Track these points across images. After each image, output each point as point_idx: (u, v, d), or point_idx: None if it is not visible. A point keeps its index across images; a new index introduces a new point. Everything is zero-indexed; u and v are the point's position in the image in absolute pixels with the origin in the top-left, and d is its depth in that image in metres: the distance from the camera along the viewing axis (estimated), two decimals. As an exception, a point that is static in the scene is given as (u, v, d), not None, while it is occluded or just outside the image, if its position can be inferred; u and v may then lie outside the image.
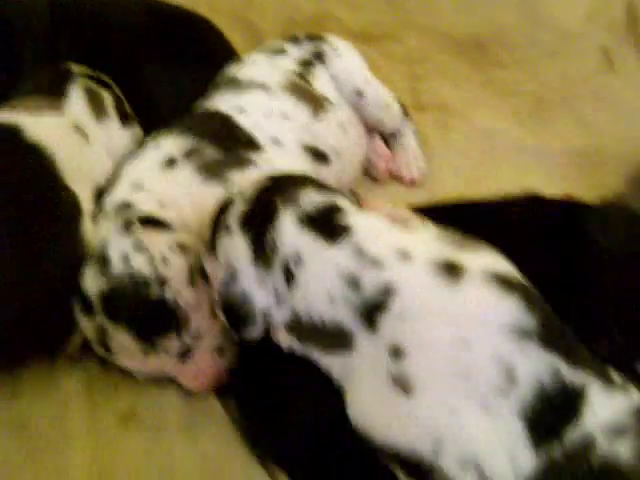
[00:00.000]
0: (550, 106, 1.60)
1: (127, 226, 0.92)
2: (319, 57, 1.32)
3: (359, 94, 1.31)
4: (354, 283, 0.75)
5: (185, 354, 0.95)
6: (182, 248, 0.96)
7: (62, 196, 0.94)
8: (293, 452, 0.89)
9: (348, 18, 1.77)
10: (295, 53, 1.33)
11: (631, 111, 1.58)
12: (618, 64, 1.72)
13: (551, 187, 1.13)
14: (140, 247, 0.91)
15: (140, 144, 1.12)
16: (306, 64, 1.30)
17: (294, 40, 1.37)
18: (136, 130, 1.12)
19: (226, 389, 0.98)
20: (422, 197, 1.27)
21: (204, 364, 0.95)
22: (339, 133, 1.24)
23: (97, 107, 1.05)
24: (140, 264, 0.91)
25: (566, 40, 1.79)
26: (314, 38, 1.37)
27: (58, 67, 1.09)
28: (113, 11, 1.30)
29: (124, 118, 1.10)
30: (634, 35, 1.77)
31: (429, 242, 0.79)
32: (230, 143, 1.09)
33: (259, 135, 1.12)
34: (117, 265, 0.90)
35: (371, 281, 0.74)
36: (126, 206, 0.99)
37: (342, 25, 1.75)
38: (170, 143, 1.07)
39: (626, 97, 1.62)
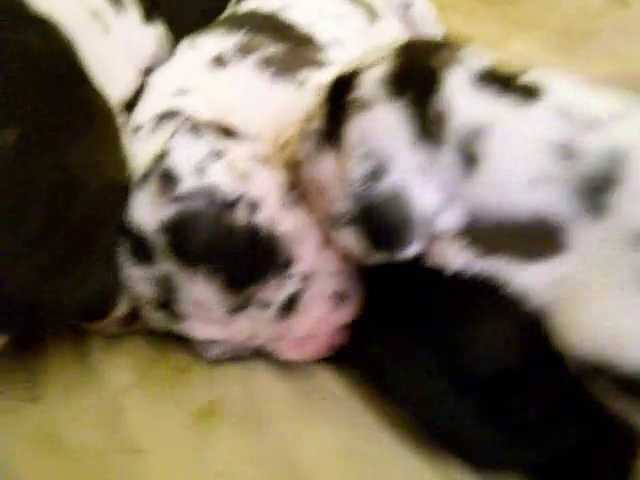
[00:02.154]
0: (575, 38, 1.44)
1: (195, 129, 0.63)
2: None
3: (406, 5, 1.08)
4: (567, 151, 0.52)
5: (289, 307, 0.66)
6: (264, 158, 0.69)
7: (94, 94, 0.63)
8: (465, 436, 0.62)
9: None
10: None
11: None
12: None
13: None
14: (218, 153, 0.63)
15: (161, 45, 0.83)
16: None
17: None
18: (161, 31, 0.81)
19: (342, 354, 0.69)
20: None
21: (318, 318, 0.67)
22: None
23: (113, -7, 0.75)
24: (221, 176, 0.62)
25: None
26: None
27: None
28: None
29: (146, 12, 0.79)
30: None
31: None
32: (291, 40, 0.82)
33: (318, 34, 0.86)
34: (187, 180, 0.61)
35: (592, 146, 0.52)
36: (172, 115, 0.70)
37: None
38: (212, 42, 0.80)
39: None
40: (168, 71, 0.78)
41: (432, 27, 1.12)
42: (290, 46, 0.80)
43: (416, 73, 0.56)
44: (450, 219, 0.55)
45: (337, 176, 0.59)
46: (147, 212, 0.62)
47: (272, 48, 0.78)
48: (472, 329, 0.61)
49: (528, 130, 0.53)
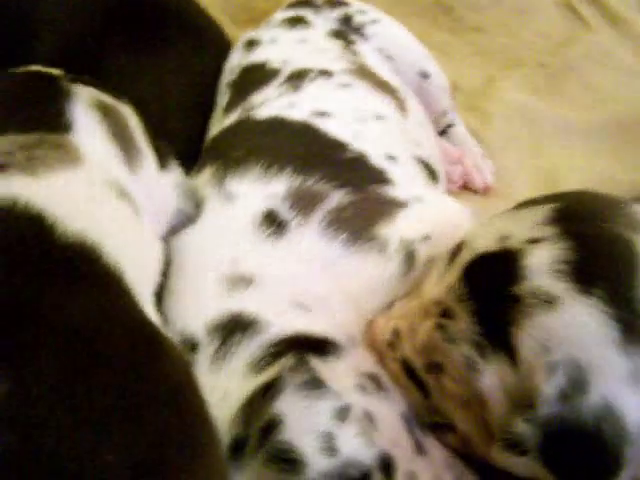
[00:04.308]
0: (555, 74, 1.34)
1: (311, 383, 0.45)
2: (350, 26, 0.89)
3: (424, 75, 0.92)
4: None
5: None
6: (374, 380, 0.52)
7: (157, 335, 0.44)
8: None
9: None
10: (321, 23, 0.88)
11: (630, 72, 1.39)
12: (592, 22, 1.52)
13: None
14: (344, 412, 0.45)
15: (185, 197, 0.61)
16: (342, 38, 0.87)
17: (305, 3, 0.92)
18: (177, 174, 0.60)
19: None
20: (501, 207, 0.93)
21: None
22: (424, 135, 0.83)
23: (125, 141, 0.53)
24: (352, 444, 0.45)
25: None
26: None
27: (26, 73, 0.54)
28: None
29: (159, 155, 0.58)
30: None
31: None
32: (349, 173, 0.64)
33: (370, 152, 0.68)
34: (316, 462, 0.44)
35: None
36: (242, 325, 0.51)
37: None
38: (253, 190, 0.60)
39: (619, 55, 1.43)
40: (206, 240, 0.58)
41: (448, 98, 0.96)
42: (352, 185, 0.63)
43: (600, 252, 0.47)
44: None
45: (508, 389, 0.47)
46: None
47: (335, 196, 0.61)
48: None
49: None
